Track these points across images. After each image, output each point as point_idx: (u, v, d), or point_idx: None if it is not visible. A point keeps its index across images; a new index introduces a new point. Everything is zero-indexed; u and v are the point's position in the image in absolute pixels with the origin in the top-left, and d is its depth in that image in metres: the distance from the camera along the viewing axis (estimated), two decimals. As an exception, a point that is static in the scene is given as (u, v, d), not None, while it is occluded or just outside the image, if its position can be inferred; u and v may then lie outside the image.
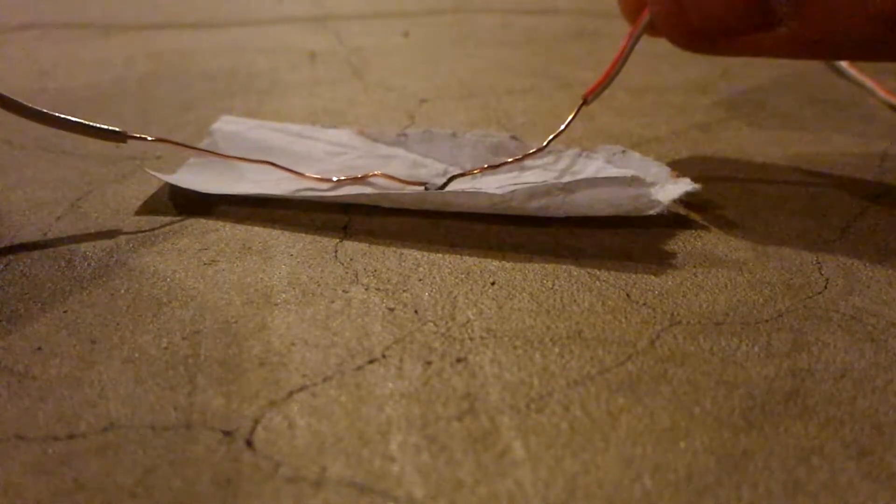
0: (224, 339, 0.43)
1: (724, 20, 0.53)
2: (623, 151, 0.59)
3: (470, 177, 0.58)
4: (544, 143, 0.59)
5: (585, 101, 0.59)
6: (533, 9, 1.08)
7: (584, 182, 0.52)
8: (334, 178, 0.57)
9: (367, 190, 0.56)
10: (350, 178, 0.57)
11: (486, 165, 0.59)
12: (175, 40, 0.95)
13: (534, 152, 0.59)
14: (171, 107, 0.75)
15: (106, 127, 0.55)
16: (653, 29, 0.57)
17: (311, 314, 0.45)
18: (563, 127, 0.58)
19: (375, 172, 0.57)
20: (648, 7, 0.56)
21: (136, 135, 0.56)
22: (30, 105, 0.52)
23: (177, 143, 0.59)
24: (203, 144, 0.61)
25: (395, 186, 0.56)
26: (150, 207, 0.56)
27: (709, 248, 0.51)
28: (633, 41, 0.58)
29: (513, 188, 0.53)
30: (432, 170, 0.59)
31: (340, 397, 0.39)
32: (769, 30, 0.52)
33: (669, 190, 0.55)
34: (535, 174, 0.58)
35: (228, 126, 0.63)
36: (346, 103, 0.76)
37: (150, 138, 0.57)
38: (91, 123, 0.55)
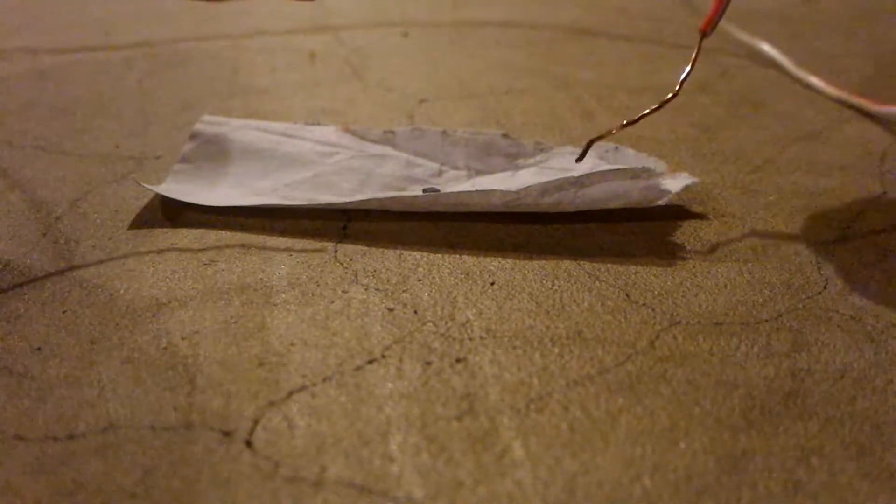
0: (224, 339, 0.43)
1: None
2: (616, 148, 0.59)
3: (465, 175, 0.58)
4: (675, 91, 0.54)
5: (704, 34, 0.56)
6: (533, 9, 1.08)
7: (595, 176, 0.53)
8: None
9: (377, 195, 0.55)
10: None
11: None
12: (175, 41, 0.94)
13: (629, 123, 0.54)
14: (171, 107, 0.74)
15: None
16: None
17: (310, 314, 0.45)
18: (689, 68, 0.54)
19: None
20: None
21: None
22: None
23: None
24: (188, 148, 0.61)
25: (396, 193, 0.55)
26: (149, 207, 0.56)
27: (708, 249, 0.51)
28: None
29: (526, 185, 0.53)
30: (427, 169, 0.59)
31: (340, 397, 0.39)
32: None
33: (673, 182, 0.55)
34: (530, 173, 0.58)
35: (212, 128, 0.62)
36: (346, 103, 0.76)
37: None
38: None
